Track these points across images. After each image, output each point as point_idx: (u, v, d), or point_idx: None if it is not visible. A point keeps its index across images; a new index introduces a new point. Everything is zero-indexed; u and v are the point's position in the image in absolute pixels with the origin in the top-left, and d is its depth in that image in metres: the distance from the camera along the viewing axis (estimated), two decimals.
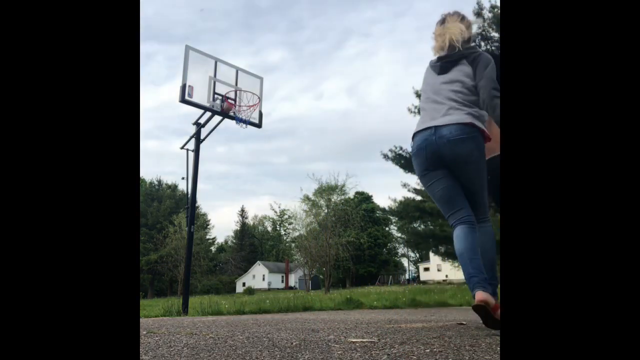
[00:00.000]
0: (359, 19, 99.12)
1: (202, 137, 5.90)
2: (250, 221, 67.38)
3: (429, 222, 16.92)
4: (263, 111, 6.38)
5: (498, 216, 11.37)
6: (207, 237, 49.50)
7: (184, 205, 7.53)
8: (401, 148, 16.00)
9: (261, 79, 6.53)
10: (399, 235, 42.57)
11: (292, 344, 1.68)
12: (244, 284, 51.05)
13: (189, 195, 5.83)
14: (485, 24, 15.28)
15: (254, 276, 54.57)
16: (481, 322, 2.14)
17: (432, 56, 2.39)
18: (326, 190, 23.57)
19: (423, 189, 15.86)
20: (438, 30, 2.33)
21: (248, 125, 6.13)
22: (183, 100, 5.49)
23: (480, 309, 1.89)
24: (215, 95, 5.86)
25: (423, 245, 20.21)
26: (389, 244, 52.63)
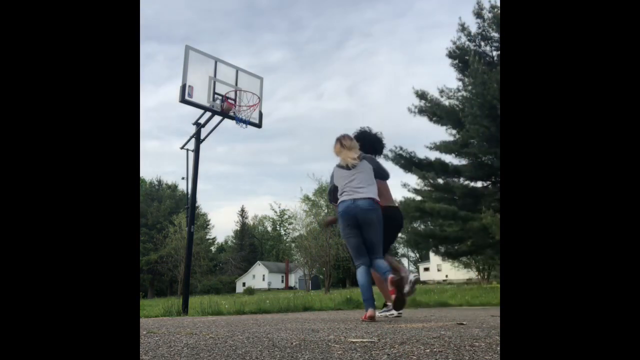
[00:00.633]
0: (359, 19, 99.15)
1: (202, 137, 5.90)
2: (250, 221, 67.36)
3: (429, 222, 16.91)
4: (263, 111, 6.39)
5: (498, 216, 11.37)
6: (207, 237, 49.49)
7: (184, 205, 7.53)
8: (401, 148, 16.01)
9: (261, 79, 6.53)
10: (399, 235, 42.47)
11: (292, 344, 1.68)
12: (244, 284, 51.03)
13: (189, 195, 5.82)
14: (485, 24, 15.28)
15: (254, 276, 54.56)
16: (481, 322, 2.26)
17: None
18: (326, 190, 23.56)
19: (423, 189, 15.88)
20: (337, 149, 3.53)
21: (248, 126, 6.13)
22: (183, 100, 5.48)
23: (371, 319, 3.15)
24: (215, 95, 5.85)
25: (423, 245, 20.21)
26: None
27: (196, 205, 6.71)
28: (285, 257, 44.00)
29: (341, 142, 3.52)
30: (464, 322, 2.79)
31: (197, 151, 5.80)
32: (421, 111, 16.24)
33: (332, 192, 3.57)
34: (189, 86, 5.54)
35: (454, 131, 15.93)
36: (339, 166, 3.48)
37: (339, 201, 3.38)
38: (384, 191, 3.66)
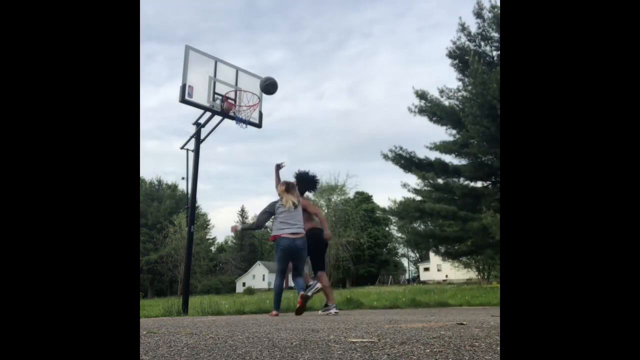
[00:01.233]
0: (359, 19, 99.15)
1: (202, 137, 5.90)
2: (250, 221, 67.32)
3: (429, 222, 16.92)
4: (263, 111, 6.39)
5: (498, 216, 11.36)
6: (207, 237, 49.48)
7: (184, 205, 7.52)
8: (401, 148, 16.02)
9: (261, 79, 6.53)
10: (399, 235, 42.57)
11: (292, 344, 1.68)
12: (244, 284, 51.01)
13: (189, 195, 5.82)
14: (485, 24, 15.28)
15: (254, 276, 54.54)
16: (481, 322, 2.26)
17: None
18: (326, 190, 23.55)
19: (423, 189, 15.88)
20: (281, 190, 4.70)
21: (248, 126, 6.13)
22: (183, 100, 5.48)
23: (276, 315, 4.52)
24: (215, 95, 5.85)
25: (423, 245, 20.22)
26: (389, 244, 52.58)
27: (196, 205, 6.71)
28: None
29: (287, 186, 4.73)
30: (464, 322, 2.79)
31: (197, 151, 5.80)
32: (421, 111, 16.24)
33: (263, 217, 4.75)
34: (189, 86, 5.54)
35: (454, 131, 15.94)
36: (281, 204, 4.66)
37: (279, 234, 4.57)
38: (310, 208, 5.01)
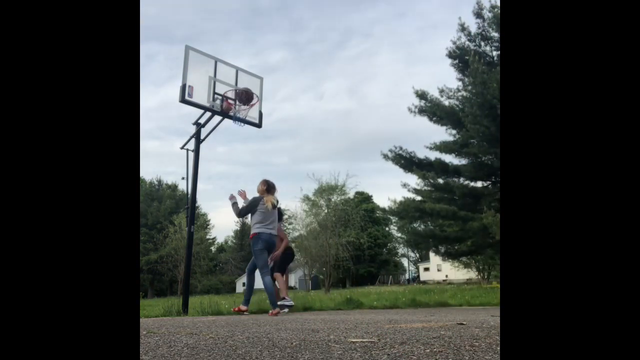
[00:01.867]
0: (360, 19, 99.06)
1: (202, 137, 5.90)
2: (250, 221, 67.27)
3: (429, 222, 16.92)
4: (264, 111, 6.39)
5: (498, 216, 11.36)
6: (207, 237, 49.44)
7: (184, 205, 7.52)
8: (401, 148, 16.02)
9: (261, 79, 6.52)
10: (399, 235, 42.52)
11: (292, 344, 1.68)
12: (244, 284, 50.84)
13: (189, 195, 5.82)
14: (485, 24, 15.28)
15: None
16: (481, 322, 2.26)
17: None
18: (326, 190, 23.50)
19: (423, 189, 15.88)
20: (261, 190, 5.35)
21: (247, 125, 6.13)
22: (183, 100, 5.48)
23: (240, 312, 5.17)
24: (215, 95, 5.85)
25: (423, 245, 20.22)
26: (389, 244, 52.54)
27: (196, 205, 6.71)
28: None
29: (268, 186, 5.34)
30: (464, 322, 2.79)
31: (197, 151, 5.80)
32: (421, 111, 16.25)
33: (246, 209, 5.26)
34: (189, 86, 5.54)
35: (454, 131, 15.94)
36: (262, 203, 5.21)
37: (260, 231, 5.12)
38: (282, 235, 5.86)
